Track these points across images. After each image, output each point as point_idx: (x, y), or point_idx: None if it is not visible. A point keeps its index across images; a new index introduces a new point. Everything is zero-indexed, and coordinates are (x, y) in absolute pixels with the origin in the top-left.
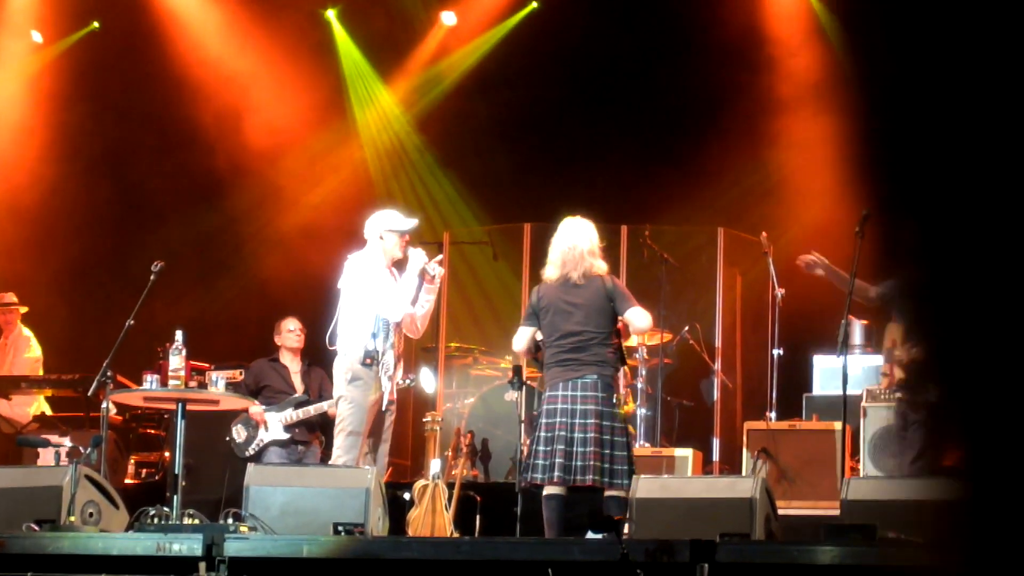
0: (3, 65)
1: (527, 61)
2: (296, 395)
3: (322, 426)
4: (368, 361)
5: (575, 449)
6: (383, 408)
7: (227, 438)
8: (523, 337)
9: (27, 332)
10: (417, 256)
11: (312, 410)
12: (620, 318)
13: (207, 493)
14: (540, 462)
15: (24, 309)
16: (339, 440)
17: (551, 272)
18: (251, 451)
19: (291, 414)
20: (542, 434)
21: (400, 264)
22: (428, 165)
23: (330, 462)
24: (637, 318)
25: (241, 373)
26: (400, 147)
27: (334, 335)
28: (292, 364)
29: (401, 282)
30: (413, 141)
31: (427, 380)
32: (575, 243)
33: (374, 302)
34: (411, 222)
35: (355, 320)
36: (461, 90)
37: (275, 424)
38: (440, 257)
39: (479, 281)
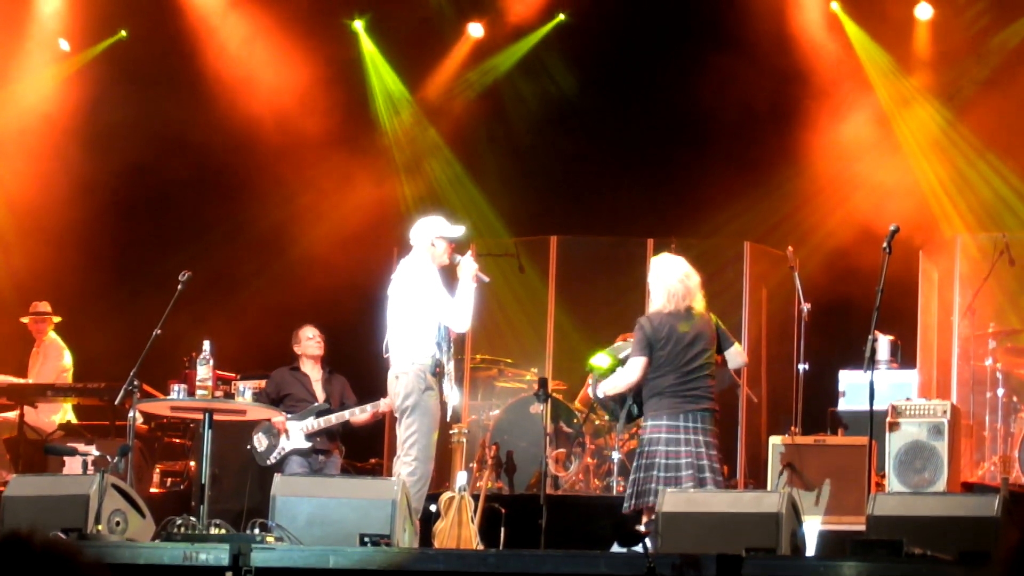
0: (32, 73)
1: (554, 74)
2: (317, 404)
3: (342, 435)
4: (437, 370)
5: (703, 475)
6: (447, 418)
7: (248, 447)
8: (639, 368)
9: (59, 341)
10: (468, 264)
11: (334, 419)
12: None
13: (229, 502)
14: (662, 487)
15: (57, 319)
16: (414, 452)
17: (663, 303)
18: (272, 460)
19: (312, 423)
20: (663, 460)
21: (444, 270)
22: (455, 176)
23: (404, 473)
24: (738, 356)
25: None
26: (426, 158)
27: (389, 344)
28: (313, 372)
29: (461, 292)
30: (439, 153)
31: (451, 392)
32: (689, 275)
33: (439, 312)
34: (460, 229)
35: (418, 329)
36: (487, 102)
37: (296, 433)
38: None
39: (504, 293)
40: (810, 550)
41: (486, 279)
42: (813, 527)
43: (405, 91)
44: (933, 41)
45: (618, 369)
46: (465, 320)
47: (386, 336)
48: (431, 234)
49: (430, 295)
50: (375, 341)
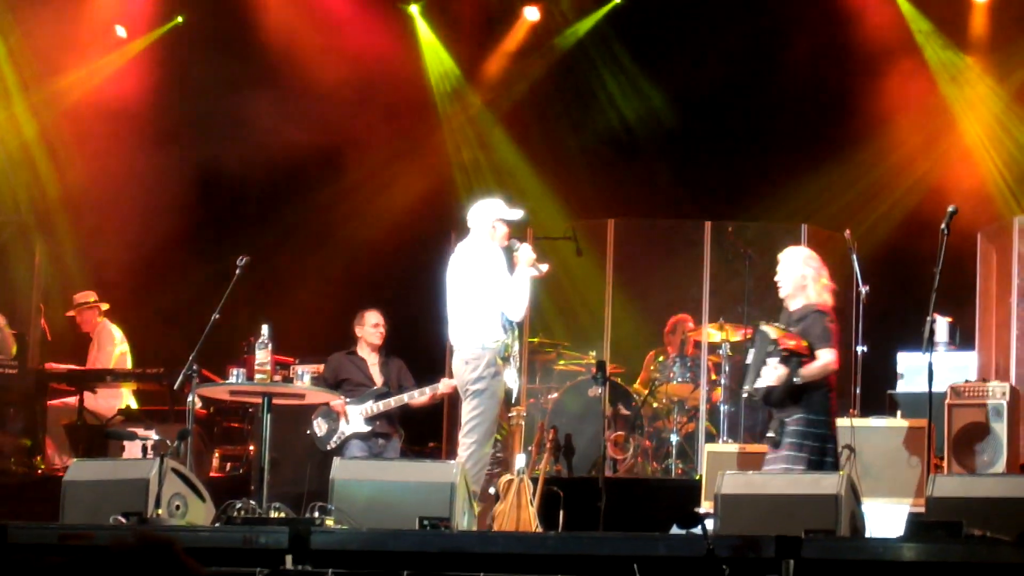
0: (89, 59)
1: (610, 57)
2: (376, 387)
3: (401, 418)
4: (505, 354)
5: None
6: (512, 401)
7: (308, 431)
8: (835, 358)
9: (111, 327)
10: (525, 252)
11: (393, 402)
12: None
13: (289, 487)
14: None
15: (105, 306)
16: (475, 434)
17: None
18: (332, 444)
19: (372, 406)
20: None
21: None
22: (512, 160)
23: (463, 455)
24: None
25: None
26: (483, 141)
27: (452, 328)
28: (370, 356)
29: (518, 280)
30: (496, 135)
31: (510, 375)
32: None
33: (499, 299)
34: (519, 212)
35: (484, 312)
36: (543, 86)
37: (356, 417)
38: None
39: (562, 276)
40: (871, 531)
41: (543, 269)
42: (872, 509)
43: (460, 75)
44: (990, 21)
45: (821, 356)
46: (520, 308)
47: (448, 320)
48: (490, 216)
49: (494, 278)
50: (431, 323)
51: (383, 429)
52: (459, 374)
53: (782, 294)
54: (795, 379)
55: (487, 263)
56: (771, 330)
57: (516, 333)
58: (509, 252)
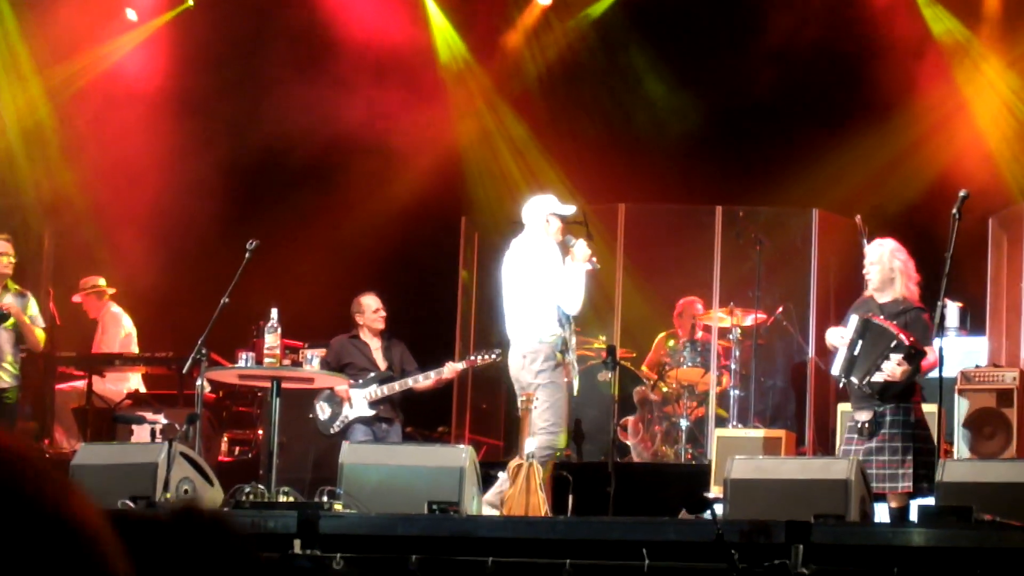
0: (100, 42)
1: (622, 43)
2: (380, 371)
3: (410, 403)
4: (563, 348)
5: None
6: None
7: (310, 415)
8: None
9: (116, 309)
10: (581, 248)
11: (397, 386)
12: None
13: (298, 471)
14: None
15: (112, 291)
16: (547, 426)
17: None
18: (336, 428)
19: (376, 390)
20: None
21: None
22: (522, 144)
23: (535, 446)
24: None
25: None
26: (492, 125)
27: (510, 323)
28: (372, 341)
29: (574, 275)
30: (506, 121)
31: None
32: None
33: (556, 293)
34: (571, 207)
35: (542, 306)
36: (554, 71)
37: (360, 401)
38: None
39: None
40: (880, 517)
41: (598, 266)
42: None
43: (472, 59)
44: (1003, 3)
45: (929, 353)
46: (577, 301)
47: (505, 315)
48: (544, 211)
49: (550, 272)
50: (438, 307)
51: (387, 413)
52: (517, 369)
53: (871, 288)
54: (917, 376)
55: (543, 257)
56: (888, 326)
57: (572, 327)
58: (563, 247)
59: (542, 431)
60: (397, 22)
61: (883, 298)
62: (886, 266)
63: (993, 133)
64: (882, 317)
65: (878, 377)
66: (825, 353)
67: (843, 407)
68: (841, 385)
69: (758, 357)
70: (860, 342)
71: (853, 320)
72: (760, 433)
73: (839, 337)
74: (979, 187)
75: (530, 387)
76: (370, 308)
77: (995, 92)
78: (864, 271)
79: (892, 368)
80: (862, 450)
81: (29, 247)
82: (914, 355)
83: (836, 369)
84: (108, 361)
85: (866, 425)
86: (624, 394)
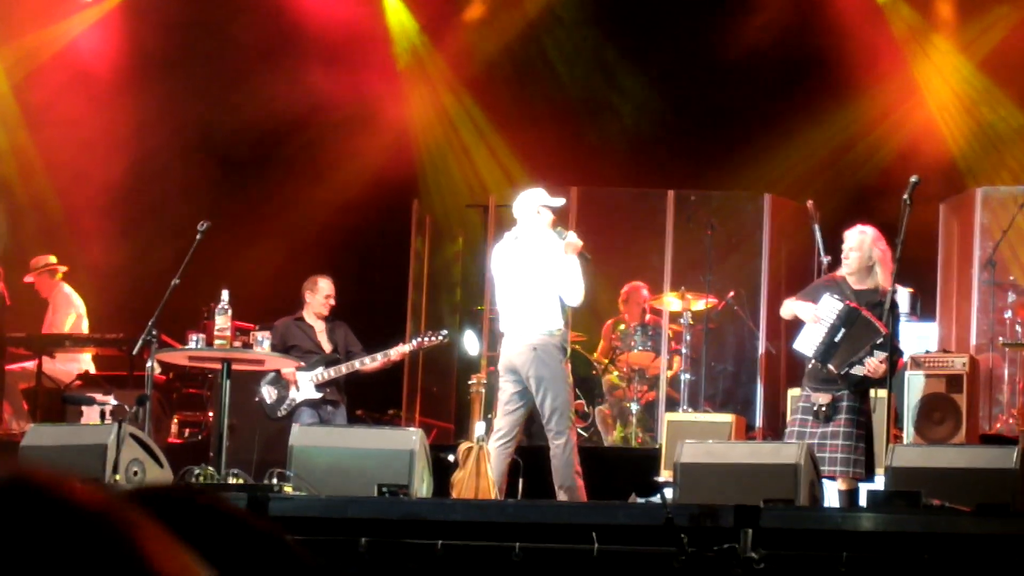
0: (56, 21)
1: (576, 24)
2: (326, 353)
3: (354, 386)
4: (564, 344)
5: None
6: None
7: (255, 400)
8: None
9: (67, 290)
10: (573, 239)
11: (344, 368)
12: None
13: (245, 453)
14: None
15: (64, 268)
16: (565, 421)
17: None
18: (283, 411)
19: (322, 373)
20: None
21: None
22: (475, 127)
23: (558, 444)
24: None
25: None
26: (446, 107)
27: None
28: (316, 323)
29: (572, 267)
30: (460, 103)
31: (471, 343)
32: None
33: (558, 284)
34: (560, 200)
35: (548, 298)
36: (507, 52)
37: (306, 384)
38: None
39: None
40: (828, 502)
41: (588, 257)
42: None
43: (426, 40)
44: None
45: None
46: (580, 292)
47: (500, 309)
48: (536, 203)
49: (552, 264)
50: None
51: (333, 396)
52: (521, 361)
53: (845, 270)
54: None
55: (545, 250)
56: (873, 320)
57: (568, 320)
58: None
59: (565, 430)
60: (350, 1)
61: (858, 285)
62: (866, 254)
63: (945, 120)
64: (862, 306)
65: (858, 371)
66: (776, 338)
67: (793, 391)
68: (810, 364)
69: (709, 341)
70: (843, 330)
71: (832, 303)
72: (710, 417)
73: (810, 314)
74: (930, 173)
75: (543, 380)
76: (322, 292)
77: (947, 78)
78: (843, 254)
79: (875, 364)
80: (817, 433)
81: None
82: (892, 356)
83: (806, 348)
84: (58, 342)
85: (823, 408)
86: (577, 377)
